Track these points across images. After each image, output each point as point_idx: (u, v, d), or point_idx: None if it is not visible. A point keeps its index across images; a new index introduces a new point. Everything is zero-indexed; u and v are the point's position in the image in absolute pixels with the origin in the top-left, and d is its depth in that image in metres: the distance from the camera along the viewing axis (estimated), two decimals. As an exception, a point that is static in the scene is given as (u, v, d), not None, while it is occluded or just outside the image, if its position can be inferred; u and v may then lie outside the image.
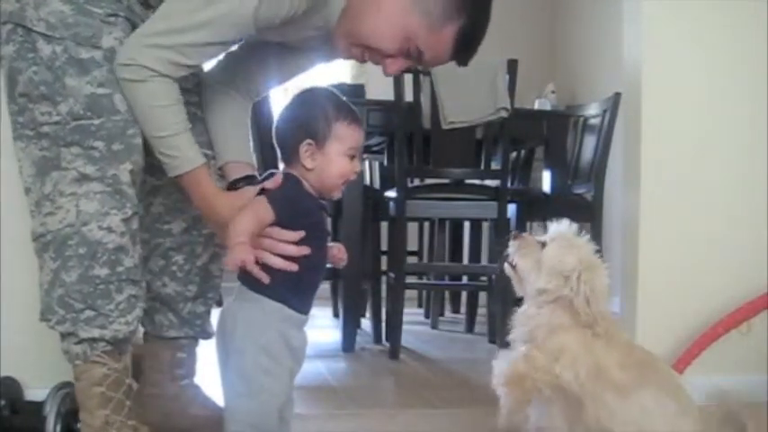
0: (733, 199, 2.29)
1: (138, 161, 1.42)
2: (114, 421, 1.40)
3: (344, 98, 1.41)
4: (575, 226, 1.53)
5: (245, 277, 1.33)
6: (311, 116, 1.36)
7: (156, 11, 1.40)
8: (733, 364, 2.23)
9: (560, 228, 1.52)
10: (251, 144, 1.65)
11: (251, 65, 1.60)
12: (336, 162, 1.35)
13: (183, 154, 1.39)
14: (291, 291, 1.33)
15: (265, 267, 1.29)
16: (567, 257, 1.47)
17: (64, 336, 1.41)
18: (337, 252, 1.45)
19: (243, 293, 1.35)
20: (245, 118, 1.65)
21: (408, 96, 2.95)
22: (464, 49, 1.44)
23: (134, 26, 1.46)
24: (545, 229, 1.56)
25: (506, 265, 1.55)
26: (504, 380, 1.49)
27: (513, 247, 1.54)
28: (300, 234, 1.32)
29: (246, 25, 1.37)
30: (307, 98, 1.40)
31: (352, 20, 1.42)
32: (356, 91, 3.38)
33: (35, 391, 1.80)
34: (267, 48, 1.56)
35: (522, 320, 1.53)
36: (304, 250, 1.33)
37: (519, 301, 1.58)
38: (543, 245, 1.51)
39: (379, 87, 3.07)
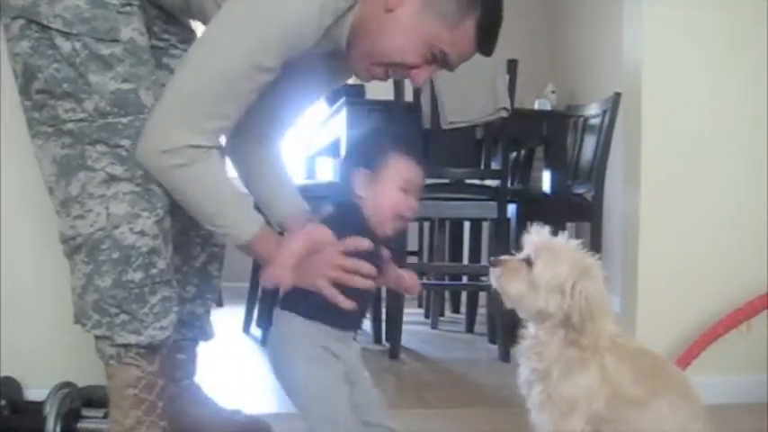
0: (733, 199, 2.29)
1: None
2: (145, 421, 1.41)
3: (410, 140, 1.41)
4: (547, 230, 1.43)
5: (284, 298, 1.34)
6: (370, 146, 1.38)
7: (176, 74, 1.33)
8: (733, 364, 2.23)
9: (538, 239, 1.42)
10: (295, 189, 1.60)
11: (260, 110, 1.50)
12: (389, 194, 1.34)
13: (244, 221, 1.34)
14: (329, 310, 1.32)
15: (301, 290, 1.30)
16: (558, 268, 1.37)
17: (99, 338, 1.40)
18: (410, 280, 1.45)
19: (279, 315, 1.36)
20: (280, 163, 1.62)
21: (408, 96, 2.95)
22: (487, 38, 1.40)
23: (146, 12, 1.42)
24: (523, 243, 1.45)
25: (497, 289, 1.45)
26: None
27: (495, 273, 1.42)
28: (370, 271, 1.32)
29: (275, 62, 1.30)
30: (370, 132, 1.45)
31: (367, 40, 1.37)
32: (356, 91, 3.38)
33: (35, 391, 1.80)
34: (272, 89, 1.46)
35: (534, 347, 1.42)
36: (362, 283, 1.32)
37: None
38: (527, 262, 1.40)
39: (380, 87, 3.06)
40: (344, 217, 1.34)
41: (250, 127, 1.51)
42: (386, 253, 1.40)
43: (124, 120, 1.35)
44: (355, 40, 1.39)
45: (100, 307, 1.37)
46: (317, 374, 1.30)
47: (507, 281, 1.41)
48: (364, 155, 1.37)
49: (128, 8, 1.38)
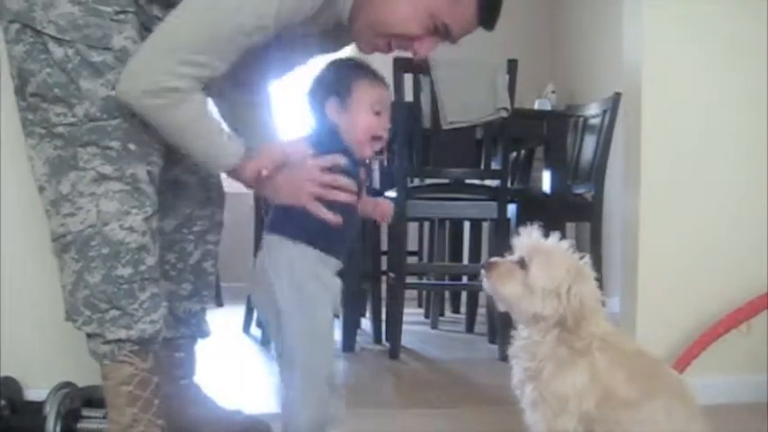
0: (733, 199, 2.29)
1: (156, 162, 1.42)
2: (142, 419, 1.41)
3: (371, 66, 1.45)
4: (537, 232, 1.43)
5: (271, 222, 1.42)
6: (335, 75, 1.44)
7: (171, 17, 1.35)
8: (733, 364, 2.23)
9: (529, 241, 1.42)
10: (276, 133, 1.65)
11: (250, 59, 1.54)
12: (361, 116, 1.41)
13: (226, 151, 1.38)
14: (318, 233, 1.38)
15: (291, 212, 1.38)
16: (554, 272, 1.37)
17: (91, 336, 1.41)
18: (385, 208, 1.52)
19: (268, 241, 1.42)
20: (266, 111, 1.66)
21: (408, 96, 2.95)
22: (488, 14, 1.43)
23: (141, 21, 1.44)
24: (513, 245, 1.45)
25: (490, 293, 1.46)
26: None
27: (488, 277, 1.43)
28: (350, 186, 1.38)
29: (267, 29, 1.34)
30: (331, 63, 1.48)
31: (371, 11, 1.41)
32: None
33: (35, 391, 1.80)
34: (265, 46, 1.54)
35: (526, 347, 1.43)
36: (343, 197, 1.38)
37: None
38: (521, 264, 1.40)
39: (379, 87, 3.07)
40: (323, 137, 1.42)
41: (238, 72, 1.53)
42: (364, 173, 1.46)
43: (113, 122, 1.37)
44: (359, 11, 1.42)
45: (90, 303, 1.38)
46: (319, 295, 1.36)
47: (501, 284, 1.41)
48: (331, 84, 1.43)
49: (121, 16, 1.40)
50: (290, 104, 1.75)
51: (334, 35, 1.53)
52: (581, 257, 1.42)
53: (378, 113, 1.41)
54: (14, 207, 1.88)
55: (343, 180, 1.38)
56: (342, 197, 1.38)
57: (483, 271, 1.43)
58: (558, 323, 1.38)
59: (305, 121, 1.49)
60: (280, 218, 1.42)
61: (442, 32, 1.42)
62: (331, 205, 1.38)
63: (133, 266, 1.39)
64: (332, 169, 1.38)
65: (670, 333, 2.22)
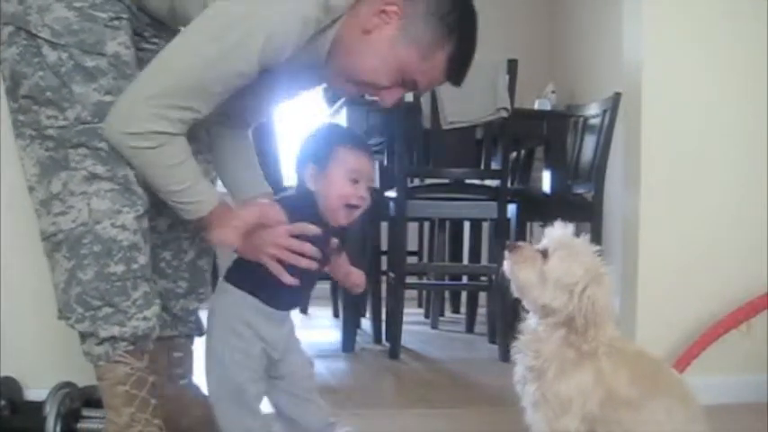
0: (733, 199, 2.29)
1: None
2: (140, 419, 1.41)
3: (357, 133, 1.48)
4: (571, 228, 1.43)
5: (227, 270, 1.46)
6: (316, 142, 1.45)
7: (158, 59, 1.35)
8: (733, 364, 2.23)
9: (559, 234, 1.43)
10: (261, 173, 1.68)
11: (243, 98, 1.55)
12: (337, 184, 1.41)
13: (204, 197, 1.39)
14: (265, 286, 1.41)
15: (248, 265, 1.42)
16: (573, 268, 1.37)
17: (85, 336, 1.41)
18: (356, 278, 1.55)
19: (219, 286, 1.47)
20: (249, 147, 1.69)
21: (408, 96, 2.94)
22: (457, 71, 1.46)
23: (133, 28, 1.45)
24: (543, 234, 1.47)
25: (507, 275, 1.45)
26: None
27: (509, 258, 1.42)
28: (314, 254, 1.40)
29: (251, 70, 1.35)
30: (318, 129, 1.50)
31: (344, 57, 1.43)
32: (356, 91, 3.38)
33: (35, 391, 1.80)
34: (257, 79, 1.50)
35: (531, 343, 1.43)
36: (305, 263, 1.40)
37: (519, 302, 1.53)
38: (543, 254, 1.40)
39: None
40: (298, 202, 1.44)
41: (223, 110, 1.55)
42: (334, 242, 1.48)
43: (103, 124, 1.38)
44: (334, 56, 1.43)
45: (83, 300, 1.38)
46: (232, 344, 1.41)
47: (519, 268, 1.41)
48: (311, 150, 1.45)
49: (116, 22, 1.41)
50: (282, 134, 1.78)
51: (317, 71, 1.54)
52: (606, 264, 1.41)
53: (355, 182, 1.41)
54: (13, 207, 1.88)
55: (307, 247, 1.40)
56: (303, 263, 1.39)
57: (506, 252, 1.44)
58: (565, 322, 1.38)
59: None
60: (233, 266, 1.46)
61: (409, 85, 1.46)
62: (292, 267, 1.40)
63: (125, 264, 1.39)
64: (300, 237, 1.39)
65: (670, 333, 2.23)
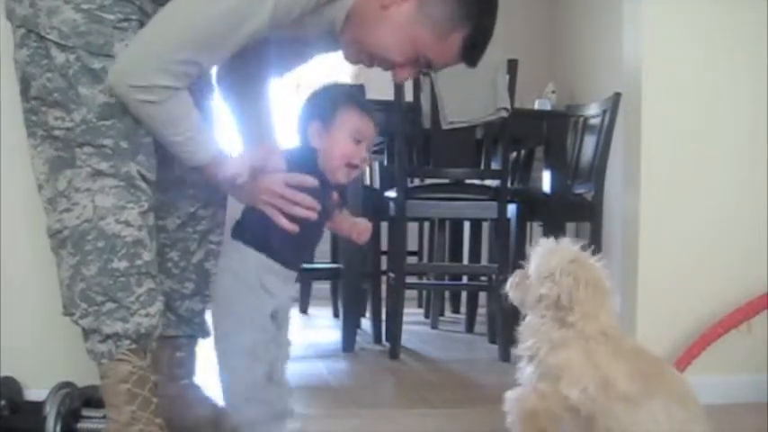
0: (733, 199, 2.29)
1: (142, 161, 1.43)
2: (141, 417, 1.41)
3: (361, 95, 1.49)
4: (552, 238, 1.56)
5: (233, 228, 1.47)
6: (322, 100, 1.46)
7: (164, 12, 1.36)
8: (733, 364, 2.23)
9: (538, 246, 1.56)
10: (273, 130, 1.70)
11: (253, 57, 1.58)
12: (340, 143, 1.42)
13: (204, 147, 1.41)
14: (271, 240, 1.42)
15: (252, 218, 1.43)
16: (548, 259, 1.50)
17: (88, 333, 1.41)
18: (362, 227, 1.55)
19: (228, 245, 1.48)
20: (264, 103, 1.71)
21: (408, 96, 2.95)
22: (472, 53, 1.46)
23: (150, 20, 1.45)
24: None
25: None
26: (518, 418, 1.49)
27: (509, 285, 1.59)
28: (312, 204, 1.41)
29: (262, 27, 1.35)
30: (322, 87, 1.50)
31: (359, 29, 1.43)
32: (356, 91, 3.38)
33: (35, 391, 1.80)
34: (270, 40, 1.54)
35: (526, 334, 1.54)
36: (302, 213, 1.41)
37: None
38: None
39: (379, 87, 3.07)
40: (300, 157, 1.44)
41: (239, 65, 1.57)
42: (335, 197, 1.49)
43: (107, 122, 1.39)
44: (349, 26, 1.43)
45: (86, 295, 1.39)
46: (249, 302, 1.41)
47: (512, 291, 1.58)
48: (317, 108, 1.46)
49: (125, 23, 1.41)
50: (287, 103, 1.78)
51: (332, 38, 1.54)
52: (584, 249, 1.52)
53: (358, 142, 1.43)
54: (15, 206, 1.88)
55: (303, 197, 1.40)
56: (300, 213, 1.40)
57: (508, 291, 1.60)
58: (555, 304, 1.47)
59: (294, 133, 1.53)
60: (241, 224, 1.47)
61: (423, 63, 1.45)
62: (293, 218, 1.41)
63: (129, 260, 1.39)
64: (299, 188, 1.41)
65: (670, 333, 2.22)
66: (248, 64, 1.61)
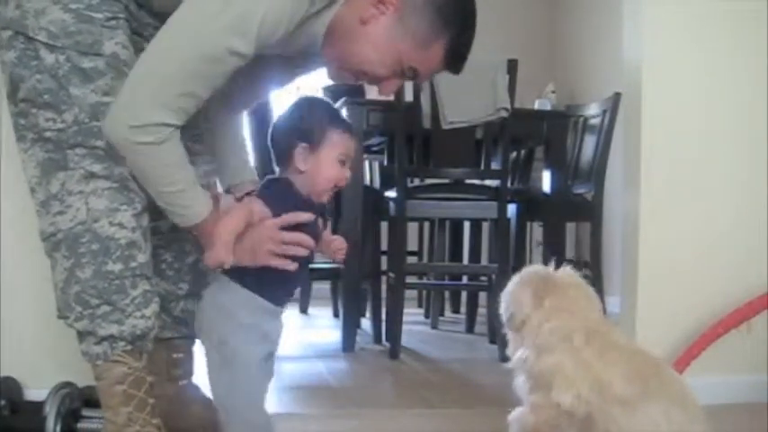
0: (733, 199, 2.29)
1: None
2: (138, 418, 1.41)
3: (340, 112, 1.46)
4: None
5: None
6: (307, 122, 1.42)
7: (149, 51, 1.32)
8: (733, 364, 2.23)
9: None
10: (247, 159, 1.68)
11: (240, 81, 1.54)
12: (327, 167, 1.41)
13: (196, 204, 1.37)
14: (267, 283, 1.40)
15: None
16: (511, 292, 1.58)
17: (83, 335, 1.41)
18: (338, 243, 1.52)
19: (220, 279, 1.43)
20: (240, 131, 1.69)
21: (408, 96, 2.95)
22: (455, 60, 1.45)
23: (132, 28, 1.45)
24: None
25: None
26: None
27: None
28: (310, 242, 1.40)
29: (249, 49, 1.32)
30: (304, 105, 1.47)
31: (340, 46, 1.41)
32: (356, 91, 3.38)
33: (35, 391, 1.80)
34: (255, 62, 1.48)
35: (512, 348, 1.58)
36: (303, 252, 1.40)
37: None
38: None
39: (379, 87, 3.07)
40: (278, 192, 1.42)
41: (220, 93, 1.52)
42: (321, 222, 1.48)
43: (100, 122, 1.37)
44: (330, 41, 1.42)
45: (81, 298, 1.38)
46: (252, 349, 1.39)
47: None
48: (301, 129, 1.42)
49: (113, 22, 1.40)
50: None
51: (313, 57, 1.53)
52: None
53: (343, 164, 1.42)
54: (14, 207, 1.88)
55: (302, 236, 1.39)
56: (301, 252, 1.39)
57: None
58: (509, 321, 1.56)
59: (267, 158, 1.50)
60: (240, 266, 1.42)
61: (409, 75, 1.44)
62: (293, 257, 1.40)
63: (123, 262, 1.39)
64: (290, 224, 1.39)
65: (670, 333, 2.22)
66: (224, 90, 1.54)
